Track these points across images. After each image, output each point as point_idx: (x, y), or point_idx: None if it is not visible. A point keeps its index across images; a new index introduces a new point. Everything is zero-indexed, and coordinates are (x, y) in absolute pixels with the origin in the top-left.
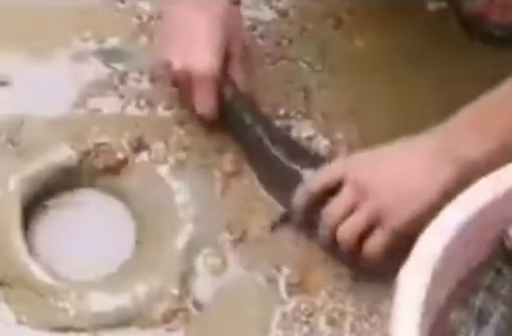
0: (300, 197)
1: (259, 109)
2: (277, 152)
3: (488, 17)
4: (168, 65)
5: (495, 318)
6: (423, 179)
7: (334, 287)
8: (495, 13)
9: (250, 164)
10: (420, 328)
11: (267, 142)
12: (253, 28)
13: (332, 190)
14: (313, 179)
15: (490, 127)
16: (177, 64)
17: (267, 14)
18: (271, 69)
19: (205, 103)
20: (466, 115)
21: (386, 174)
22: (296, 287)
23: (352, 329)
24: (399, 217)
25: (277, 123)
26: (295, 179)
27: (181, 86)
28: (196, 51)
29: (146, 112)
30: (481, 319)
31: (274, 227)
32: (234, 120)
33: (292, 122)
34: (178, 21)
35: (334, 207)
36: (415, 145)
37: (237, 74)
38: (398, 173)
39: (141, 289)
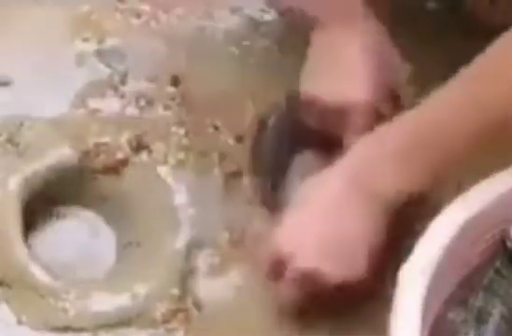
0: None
1: None
2: None
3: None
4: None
5: (495, 318)
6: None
7: None
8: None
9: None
10: (420, 327)
11: None
12: (255, 28)
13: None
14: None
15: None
16: (327, 98)
17: (269, 14)
18: (272, 68)
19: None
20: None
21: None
22: None
23: (352, 328)
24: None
25: None
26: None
27: (328, 122)
28: (352, 83)
29: (146, 112)
30: (481, 319)
31: None
32: None
33: None
34: (326, 51)
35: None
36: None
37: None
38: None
39: (141, 289)
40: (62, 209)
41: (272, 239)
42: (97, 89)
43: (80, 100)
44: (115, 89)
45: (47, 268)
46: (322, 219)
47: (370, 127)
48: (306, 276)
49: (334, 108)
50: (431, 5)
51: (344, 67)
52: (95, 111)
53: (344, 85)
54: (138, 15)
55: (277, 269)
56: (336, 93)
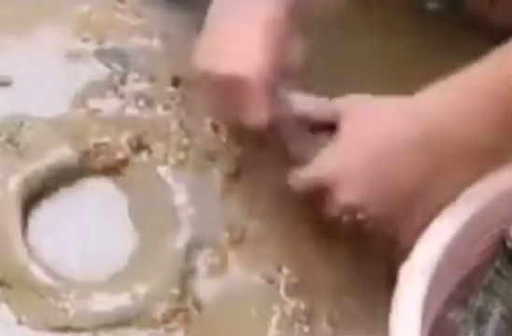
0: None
1: None
2: None
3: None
4: (207, 73)
5: (495, 318)
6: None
7: (335, 287)
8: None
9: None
10: (420, 327)
11: None
12: None
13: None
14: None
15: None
16: (222, 69)
17: None
18: None
19: (256, 113)
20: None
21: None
22: (296, 288)
23: (352, 328)
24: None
25: None
26: None
27: (222, 94)
28: (245, 56)
29: (146, 112)
30: (481, 319)
31: None
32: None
33: None
34: (226, 33)
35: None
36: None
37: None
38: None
39: (141, 289)
40: (62, 208)
41: (317, 164)
42: (97, 89)
43: (80, 100)
44: (115, 89)
45: (47, 268)
46: (375, 154)
47: (266, 106)
48: (349, 208)
49: (225, 83)
50: (431, 5)
51: (240, 42)
52: (95, 111)
53: (236, 61)
54: (138, 15)
55: (317, 195)
56: (227, 68)
